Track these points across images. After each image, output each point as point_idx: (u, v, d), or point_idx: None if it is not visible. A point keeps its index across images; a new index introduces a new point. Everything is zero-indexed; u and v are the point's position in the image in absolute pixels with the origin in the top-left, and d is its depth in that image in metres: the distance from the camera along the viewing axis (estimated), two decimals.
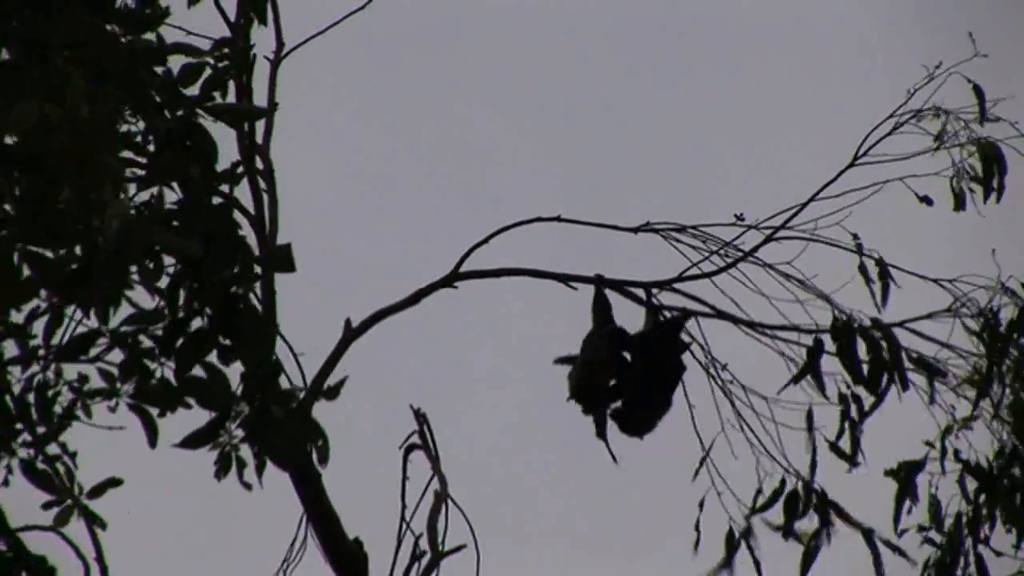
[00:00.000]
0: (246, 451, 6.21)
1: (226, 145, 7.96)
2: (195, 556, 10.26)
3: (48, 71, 5.84)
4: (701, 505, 8.42)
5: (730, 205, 8.81)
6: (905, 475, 8.22)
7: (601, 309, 8.75)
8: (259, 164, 8.52)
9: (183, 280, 6.00)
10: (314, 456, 6.36)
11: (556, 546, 11.27)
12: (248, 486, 6.21)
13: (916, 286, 8.28)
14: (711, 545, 8.45)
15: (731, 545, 8.31)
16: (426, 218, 11.91)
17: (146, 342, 6.02)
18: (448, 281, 8.65)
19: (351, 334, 8.59)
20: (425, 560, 8.50)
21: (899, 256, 8.28)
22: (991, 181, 8.34)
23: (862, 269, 8.32)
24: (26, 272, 5.82)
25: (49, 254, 5.84)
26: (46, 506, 6.25)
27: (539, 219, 8.66)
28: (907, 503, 8.25)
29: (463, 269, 8.67)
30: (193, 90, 6.18)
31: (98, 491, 6.26)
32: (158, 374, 6.09)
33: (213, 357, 6.01)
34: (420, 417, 8.70)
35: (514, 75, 12.39)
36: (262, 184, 8.47)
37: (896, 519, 8.23)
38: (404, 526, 8.58)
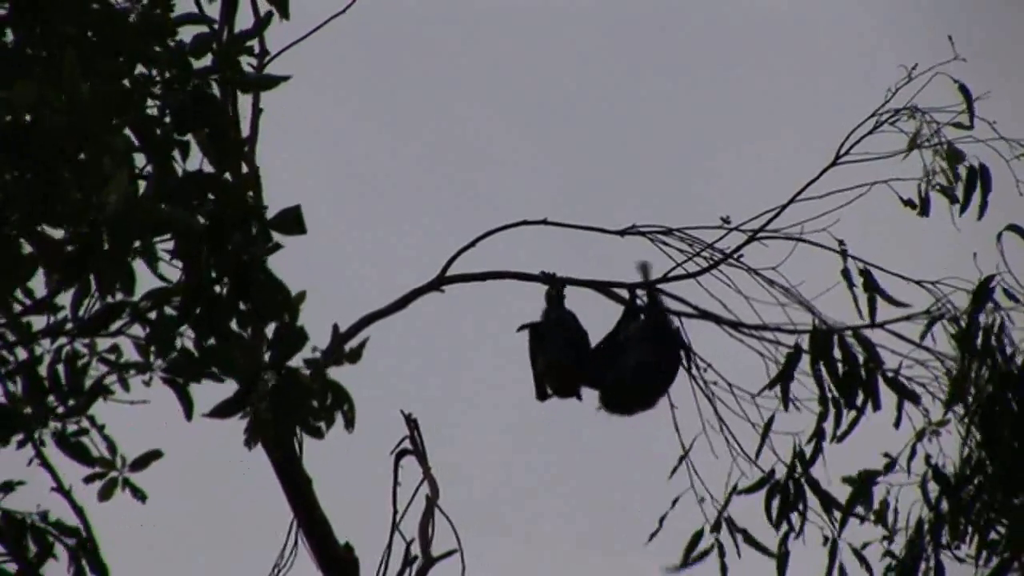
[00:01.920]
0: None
1: None
2: (186, 560, 10.19)
3: (48, 50, 5.83)
4: (674, 503, 8.45)
5: (722, 205, 8.93)
6: (861, 482, 8.23)
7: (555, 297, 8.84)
8: (245, 169, 8.54)
9: (198, 249, 5.99)
10: (341, 421, 6.32)
11: (550, 545, 11.28)
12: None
13: (900, 287, 8.39)
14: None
15: (695, 542, 8.37)
16: (414, 222, 11.95)
17: (169, 313, 6.01)
18: (435, 285, 8.69)
19: (339, 339, 8.60)
20: (416, 565, 8.53)
21: (883, 256, 8.41)
22: (971, 195, 8.43)
23: (845, 274, 8.39)
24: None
25: (51, 233, 5.82)
26: (88, 479, 6.19)
27: (525, 222, 8.73)
28: (860, 509, 8.26)
29: (450, 273, 8.74)
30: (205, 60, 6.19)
31: (141, 463, 6.21)
32: (178, 344, 6.07)
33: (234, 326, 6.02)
34: (411, 423, 8.73)
35: (511, 75, 12.49)
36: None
37: (843, 523, 8.25)
38: (395, 531, 8.60)
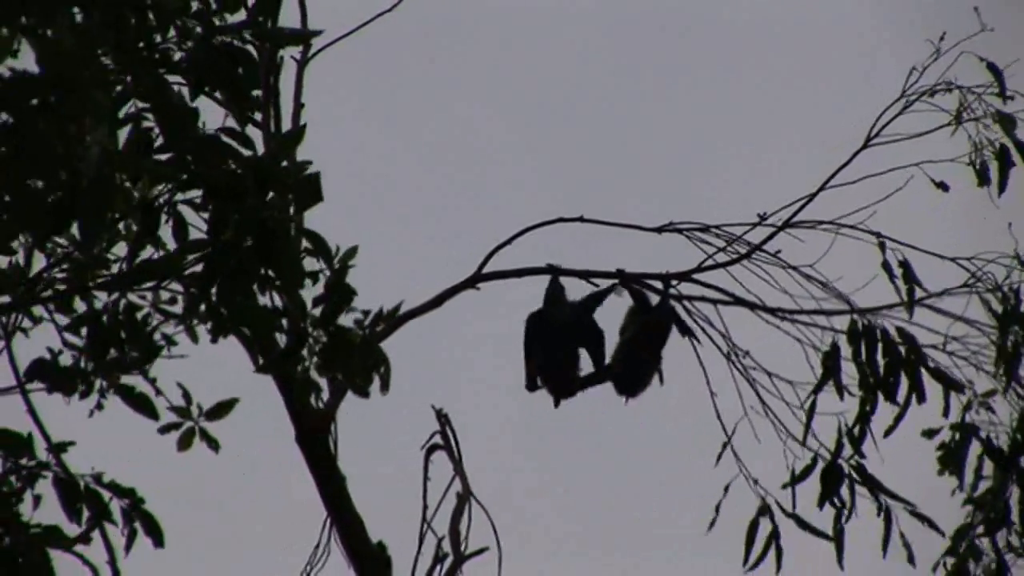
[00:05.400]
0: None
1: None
2: (220, 558, 10.16)
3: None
4: (726, 489, 8.50)
5: (741, 201, 8.98)
6: (961, 436, 8.32)
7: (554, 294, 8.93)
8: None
9: (220, 212, 6.00)
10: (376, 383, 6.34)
11: (574, 545, 11.23)
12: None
13: (934, 264, 8.41)
14: (731, 535, 8.54)
15: (754, 526, 8.39)
16: (437, 221, 11.99)
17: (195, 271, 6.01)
18: (471, 282, 8.69)
19: (375, 338, 8.62)
20: (447, 562, 8.48)
21: (915, 234, 8.43)
22: (1007, 170, 8.44)
23: (885, 266, 8.38)
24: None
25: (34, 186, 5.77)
26: (164, 430, 6.20)
27: (561, 219, 8.73)
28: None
29: (485, 270, 8.75)
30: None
31: (216, 413, 6.22)
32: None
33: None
34: (442, 418, 8.72)
35: (522, 78, 12.59)
36: None
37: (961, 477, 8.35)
38: (426, 527, 8.57)
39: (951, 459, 8.27)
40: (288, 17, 8.45)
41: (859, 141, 8.55)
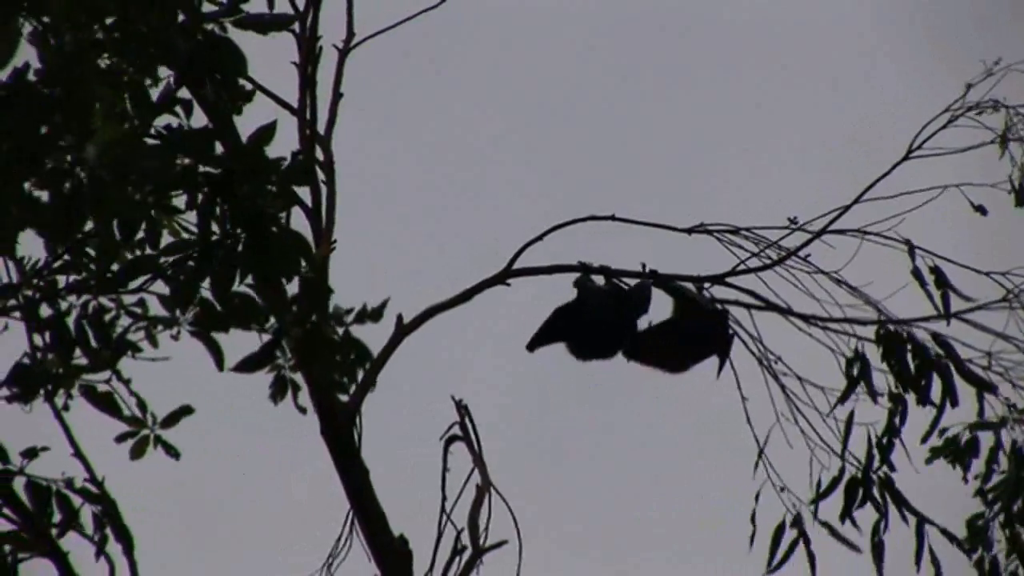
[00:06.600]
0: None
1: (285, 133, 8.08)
2: (240, 551, 10.24)
3: None
4: (757, 498, 8.44)
5: (742, 207, 8.88)
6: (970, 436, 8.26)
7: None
8: (320, 155, 8.61)
9: (214, 202, 5.91)
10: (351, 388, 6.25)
11: (594, 539, 11.20)
12: (303, 410, 6.14)
13: (968, 279, 8.28)
14: (740, 538, 8.48)
15: (778, 536, 8.31)
16: (467, 218, 11.99)
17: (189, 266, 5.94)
18: (501, 278, 8.65)
19: (403, 330, 8.63)
20: (466, 555, 8.42)
21: (950, 248, 8.30)
22: None
23: (915, 274, 8.30)
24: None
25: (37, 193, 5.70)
26: (120, 438, 6.15)
27: (593, 217, 8.67)
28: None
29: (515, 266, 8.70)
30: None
31: (171, 420, 6.17)
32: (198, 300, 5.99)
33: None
34: (462, 409, 8.69)
35: (543, 79, 12.54)
36: (321, 176, 8.56)
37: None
38: (445, 518, 8.54)
39: (957, 454, 8.17)
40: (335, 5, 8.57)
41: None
